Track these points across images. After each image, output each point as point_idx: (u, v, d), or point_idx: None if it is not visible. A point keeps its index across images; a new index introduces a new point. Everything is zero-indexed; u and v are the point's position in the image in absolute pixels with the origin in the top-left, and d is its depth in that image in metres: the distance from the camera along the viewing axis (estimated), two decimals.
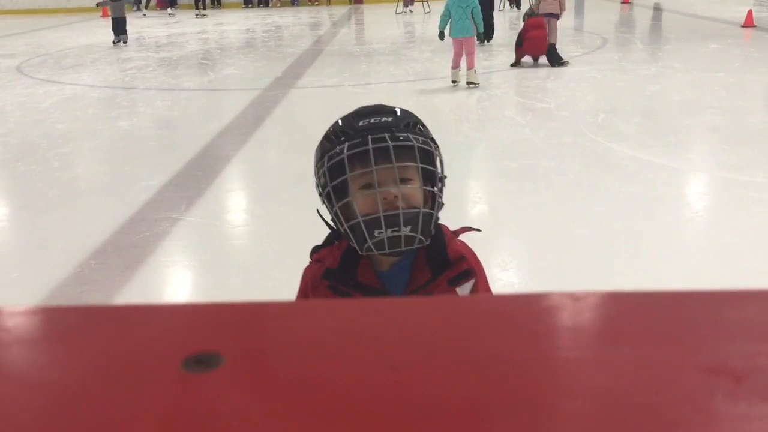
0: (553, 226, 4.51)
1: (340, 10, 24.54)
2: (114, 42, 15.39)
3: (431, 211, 1.33)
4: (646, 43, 14.23)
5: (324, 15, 23.09)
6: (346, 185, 1.32)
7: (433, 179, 1.36)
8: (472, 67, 9.16)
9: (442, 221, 1.42)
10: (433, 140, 1.36)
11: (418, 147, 1.31)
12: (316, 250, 1.49)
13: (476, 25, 9.00)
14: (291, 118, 8.38)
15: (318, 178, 1.36)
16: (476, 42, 9.26)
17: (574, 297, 0.31)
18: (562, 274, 3.78)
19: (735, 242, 4.15)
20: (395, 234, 1.28)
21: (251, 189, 5.81)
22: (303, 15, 23.06)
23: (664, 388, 0.25)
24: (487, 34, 12.31)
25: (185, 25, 20.27)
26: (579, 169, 5.61)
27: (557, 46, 12.44)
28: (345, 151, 1.30)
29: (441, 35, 9.27)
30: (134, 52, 14.42)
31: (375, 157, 1.28)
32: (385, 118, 1.33)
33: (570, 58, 11.41)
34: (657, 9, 19.36)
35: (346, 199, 1.31)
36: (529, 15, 10.95)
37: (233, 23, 20.65)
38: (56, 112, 8.79)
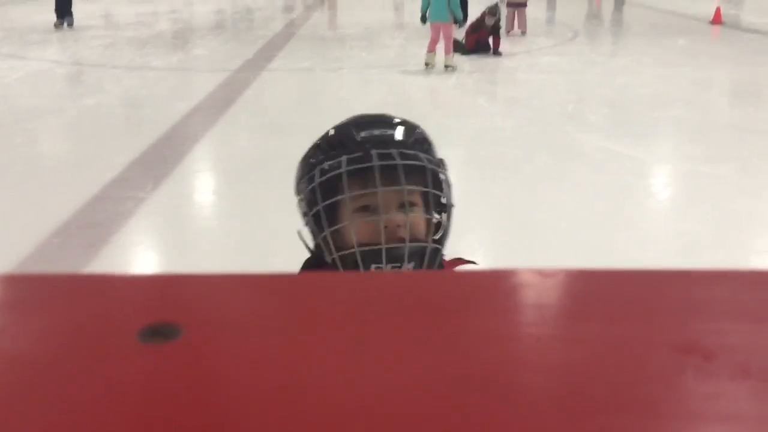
0: (520, 213, 4.54)
1: None
2: (56, 25, 13.59)
3: (439, 246, 1.14)
4: (617, 36, 14.37)
5: None
6: (337, 206, 1.12)
7: (439, 207, 1.17)
8: (450, 52, 9.30)
9: None
10: (442, 161, 1.18)
11: (429, 169, 1.12)
12: None
13: (452, 12, 9.07)
14: (261, 101, 8.31)
15: (303, 194, 1.15)
16: (454, 28, 9.35)
17: (543, 274, 0.30)
18: (527, 262, 3.81)
19: (698, 232, 4.23)
20: (396, 269, 1.08)
21: (220, 170, 5.76)
22: None
23: (634, 365, 0.25)
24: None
25: (154, 3, 19.94)
26: (547, 158, 5.65)
27: (527, 33, 12.52)
28: (344, 165, 1.09)
29: (423, 18, 9.44)
30: (102, 30, 14.16)
31: (380, 177, 1.07)
32: (391, 131, 1.15)
33: (540, 49, 11.49)
34: (619, 1, 19.47)
35: (341, 225, 1.11)
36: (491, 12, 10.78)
37: (204, 3, 20.36)
38: (20, 88, 8.60)
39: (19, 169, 5.48)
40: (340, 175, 1.10)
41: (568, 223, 4.33)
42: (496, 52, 10.65)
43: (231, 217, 4.61)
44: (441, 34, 9.22)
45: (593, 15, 18.05)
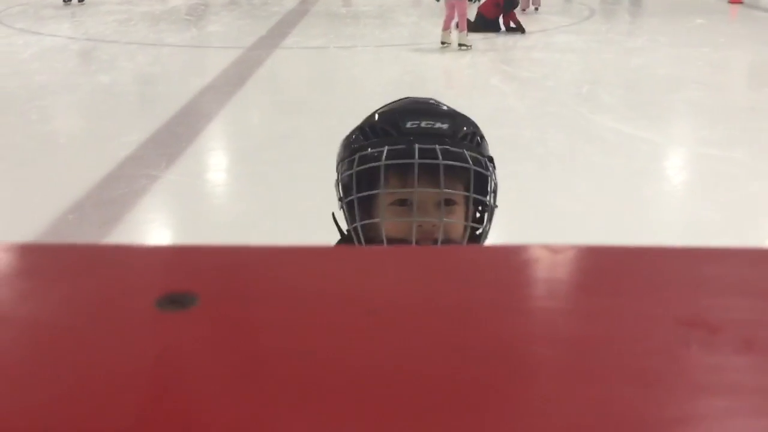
0: (533, 195, 4.52)
1: None
2: (65, 0, 13.29)
3: None
4: (634, 15, 14.19)
5: None
6: (373, 195, 1.09)
7: (482, 206, 1.13)
8: (464, 30, 9.26)
9: None
10: (490, 159, 1.13)
11: (474, 171, 1.06)
12: None
13: None
14: (275, 79, 8.30)
15: (340, 176, 1.12)
16: (468, 4, 9.36)
17: (553, 249, 0.31)
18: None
19: (712, 217, 4.20)
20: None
21: (233, 148, 5.77)
22: None
23: (640, 338, 0.26)
24: None
25: None
26: (561, 139, 5.62)
27: (539, 9, 12.43)
28: (384, 157, 1.04)
29: None
30: (116, 5, 14.13)
31: (419, 174, 1.03)
32: (440, 124, 1.09)
33: (557, 28, 11.38)
34: None
35: (374, 221, 1.08)
36: None
37: None
38: (35, 64, 8.62)
39: (34, 145, 5.51)
40: (377, 168, 1.06)
41: (581, 206, 4.32)
42: (514, 29, 10.54)
43: (244, 196, 4.62)
44: (456, 12, 9.19)
45: None
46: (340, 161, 1.13)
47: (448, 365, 0.25)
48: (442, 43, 9.39)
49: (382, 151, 1.05)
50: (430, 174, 1.04)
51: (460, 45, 9.29)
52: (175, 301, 0.27)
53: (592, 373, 0.24)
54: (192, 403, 0.24)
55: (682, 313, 0.27)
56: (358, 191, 1.08)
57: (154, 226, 4.20)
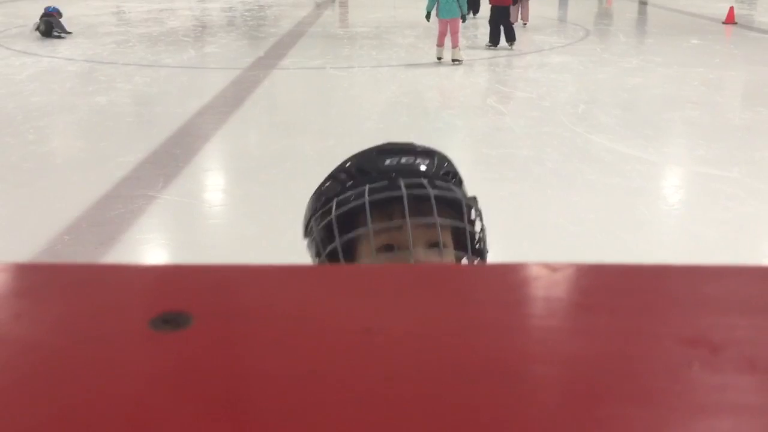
0: (530, 214, 4.53)
1: None
2: (43, 34, 12.33)
3: None
4: (629, 36, 14.32)
5: None
6: (355, 245, 0.97)
7: (474, 249, 1.02)
8: (457, 46, 9.69)
9: None
10: (474, 198, 1.04)
11: (465, 204, 0.98)
12: None
13: (461, 8, 9.58)
14: (272, 99, 8.33)
15: (315, 230, 1.00)
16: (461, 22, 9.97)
17: (552, 267, 0.31)
18: None
19: (708, 235, 4.21)
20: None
21: (230, 169, 5.78)
22: None
23: (641, 357, 0.25)
24: (473, 7, 13.21)
25: (167, 0, 19.99)
26: (557, 159, 5.64)
27: (527, 25, 12.76)
28: (366, 194, 0.94)
29: (428, 16, 10.01)
30: (114, 27, 14.22)
31: (409, 210, 0.92)
32: (420, 160, 1.00)
33: (552, 49, 11.47)
34: (642, 2, 19.47)
35: (361, 263, 0.96)
36: None
37: (215, 0, 20.41)
38: (32, 85, 8.65)
39: (31, 166, 5.52)
40: (358, 208, 0.94)
41: (578, 225, 4.32)
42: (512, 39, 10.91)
43: (241, 216, 4.62)
44: (449, 29, 9.54)
45: (604, 14, 17.99)
46: (312, 216, 1.01)
47: (446, 384, 0.24)
48: (438, 58, 9.82)
49: (364, 190, 0.95)
50: (421, 210, 0.94)
51: (453, 60, 9.75)
52: (169, 321, 0.27)
53: (593, 393, 0.24)
54: (186, 426, 0.23)
55: (683, 331, 0.26)
56: (342, 237, 0.95)
57: (150, 247, 4.20)
